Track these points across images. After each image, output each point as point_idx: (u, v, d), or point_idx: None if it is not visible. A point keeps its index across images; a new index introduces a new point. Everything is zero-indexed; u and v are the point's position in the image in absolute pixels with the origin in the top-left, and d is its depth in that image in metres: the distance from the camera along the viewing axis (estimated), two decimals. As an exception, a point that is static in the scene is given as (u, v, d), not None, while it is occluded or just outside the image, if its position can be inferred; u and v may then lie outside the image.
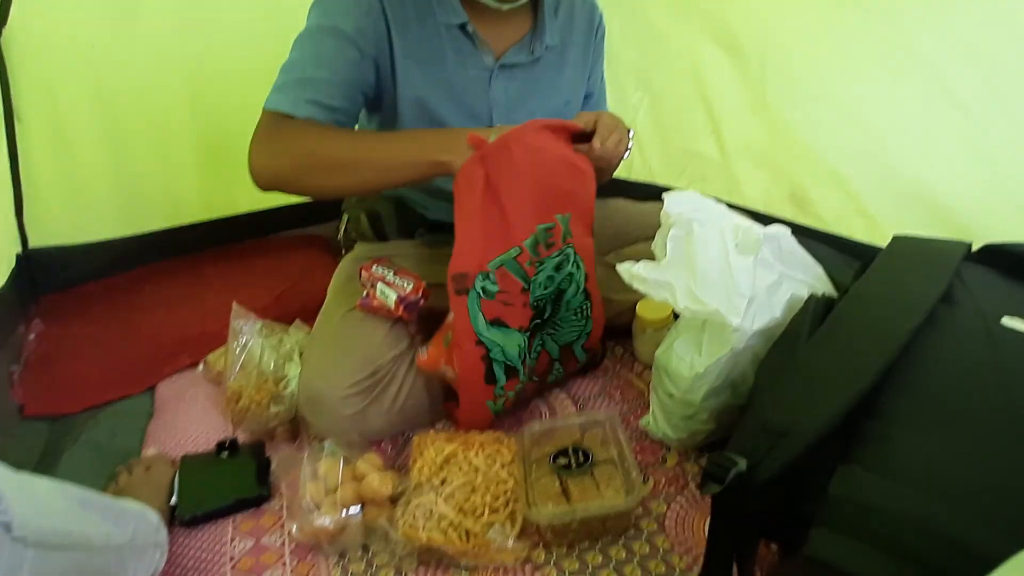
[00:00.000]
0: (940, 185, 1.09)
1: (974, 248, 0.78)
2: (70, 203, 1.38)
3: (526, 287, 0.89)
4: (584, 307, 0.98)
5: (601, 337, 1.05)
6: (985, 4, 0.95)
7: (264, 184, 0.87)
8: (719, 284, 0.76)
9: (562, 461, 0.82)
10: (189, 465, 0.90)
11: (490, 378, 0.89)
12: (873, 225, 1.20)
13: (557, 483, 0.80)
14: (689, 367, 0.81)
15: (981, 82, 0.99)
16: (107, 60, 1.30)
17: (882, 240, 0.84)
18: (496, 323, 0.87)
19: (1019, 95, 0.96)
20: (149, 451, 0.97)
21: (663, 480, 0.87)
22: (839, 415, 0.55)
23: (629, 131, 0.95)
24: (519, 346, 0.90)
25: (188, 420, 1.04)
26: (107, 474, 0.88)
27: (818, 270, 0.87)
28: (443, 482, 0.81)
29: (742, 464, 0.58)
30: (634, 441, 0.94)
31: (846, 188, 1.22)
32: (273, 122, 0.86)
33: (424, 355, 0.92)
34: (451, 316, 0.88)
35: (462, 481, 0.80)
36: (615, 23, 1.09)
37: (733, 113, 1.38)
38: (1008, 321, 0.62)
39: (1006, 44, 0.95)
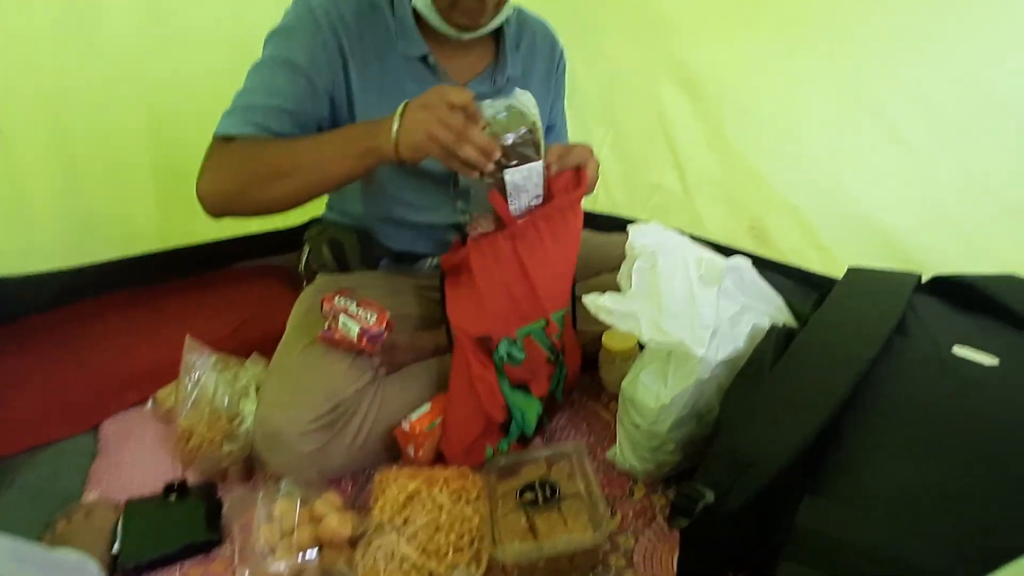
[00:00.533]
0: (889, 219, 1.14)
1: (924, 279, 0.81)
2: (16, 231, 1.32)
3: (552, 358, 0.94)
4: (559, 356, 0.98)
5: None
6: (927, 50, 1.01)
7: (213, 208, 0.86)
8: (683, 315, 0.77)
9: (529, 496, 0.80)
10: (134, 509, 0.85)
11: (505, 429, 0.92)
12: (829, 257, 1.24)
13: (524, 519, 0.78)
14: (655, 398, 0.81)
15: (925, 122, 1.05)
16: (63, 87, 1.26)
17: (837, 271, 0.86)
18: (520, 388, 0.92)
19: (960, 135, 1.01)
20: (91, 495, 0.91)
21: (631, 513, 0.86)
22: (804, 445, 0.56)
23: (597, 165, 0.96)
24: (537, 414, 0.94)
25: (134, 461, 0.98)
26: (44, 521, 0.82)
27: (779, 301, 0.89)
28: (406, 521, 0.78)
29: (710, 496, 0.58)
30: (601, 473, 0.93)
31: (802, 221, 1.26)
32: (218, 147, 0.86)
33: (405, 427, 0.91)
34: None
35: (425, 520, 0.77)
36: (578, 60, 1.12)
37: (693, 148, 1.42)
38: (959, 350, 0.64)
39: (947, 87, 1.01)
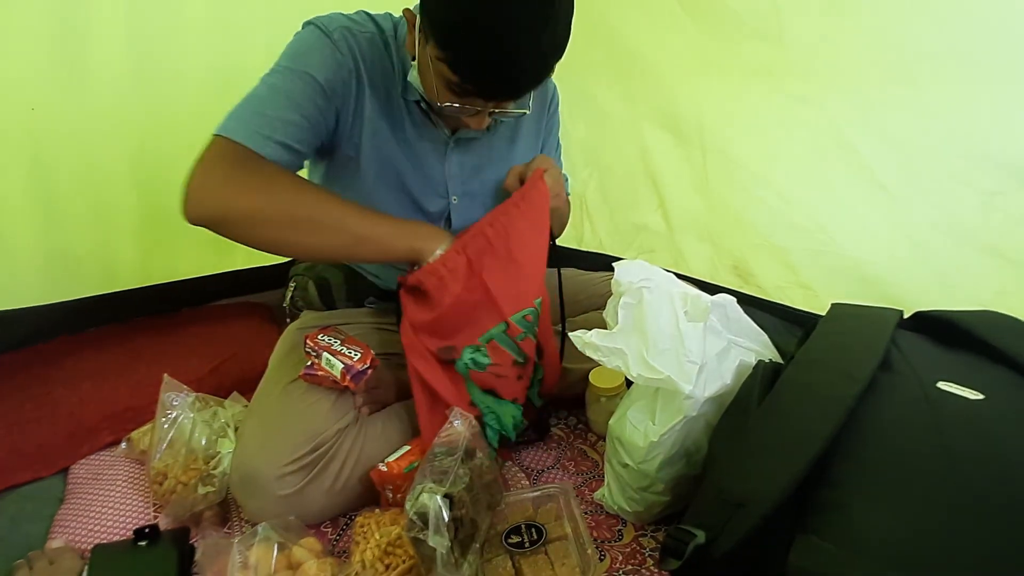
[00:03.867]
0: (868, 257, 1.17)
1: (906, 315, 0.82)
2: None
3: (519, 360, 0.93)
4: (525, 357, 0.97)
5: (546, 406, 1.06)
6: (899, 96, 1.05)
7: (200, 218, 0.77)
8: (670, 351, 0.77)
9: (514, 539, 0.78)
10: (101, 556, 0.80)
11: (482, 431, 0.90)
12: (811, 295, 1.26)
13: (509, 563, 0.76)
14: (643, 436, 0.80)
15: (899, 165, 1.08)
16: (46, 123, 1.26)
17: (820, 309, 0.87)
18: (490, 392, 0.92)
19: (932, 177, 1.05)
20: (55, 542, 0.87)
21: (620, 557, 0.83)
22: (793, 484, 0.55)
23: (566, 179, 0.98)
24: (513, 417, 0.93)
25: (104, 505, 0.94)
26: (3, 570, 0.78)
27: (763, 337, 0.89)
28: (388, 567, 0.75)
29: (700, 537, 0.56)
30: (589, 515, 0.90)
31: (784, 260, 1.29)
32: (230, 154, 0.78)
33: (383, 467, 0.88)
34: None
35: (407, 566, 0.74)
36: (564, 102, 1.15)
37: (677, 189, 1.45)
38: (944, 385, 0.64)
39: (920, 131, 1.05)
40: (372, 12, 0.93)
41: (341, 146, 0.92)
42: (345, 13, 0.90)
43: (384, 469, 0.88)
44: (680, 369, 0.75)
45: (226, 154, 0.78)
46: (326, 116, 0.86)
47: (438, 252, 0.85)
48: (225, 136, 0.78)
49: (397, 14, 0.93)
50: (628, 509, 0.86)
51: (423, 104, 0.93)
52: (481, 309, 0.90)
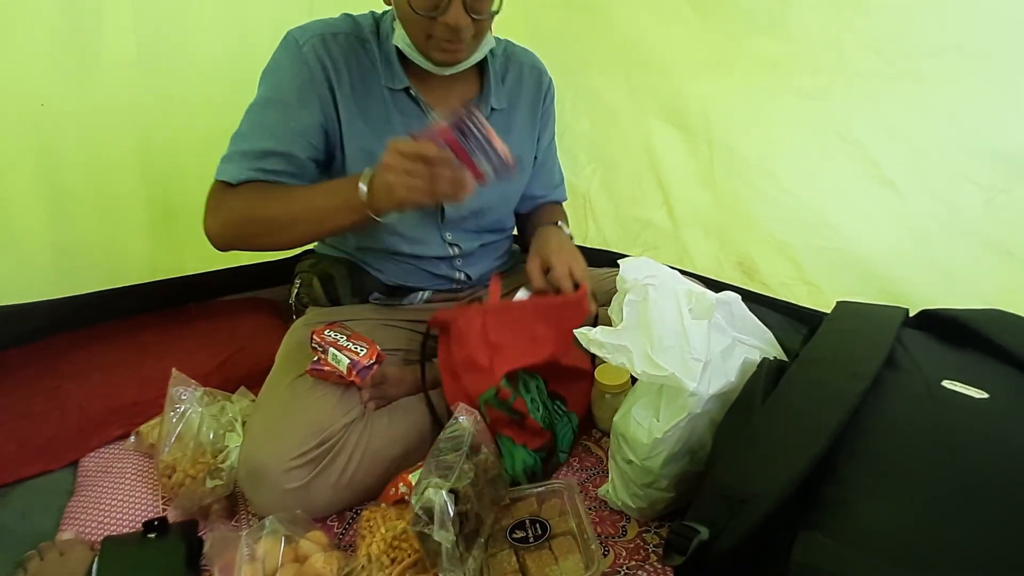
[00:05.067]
0: (874, 254, 1.16)
1: (911, 313, 0.82)
2: (2, 261, 1.31)
3: (514, 417, 0.92)
4: (552, 406, 0.99)
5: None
6: (905, 92, 1.05)
7: (220, 247, 0.93)
8: (675, 348, 0.77)
9: (519, 534, 0.78)
10: (110, 548, 0.81)
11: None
12: (817, 292, 1.25)
13: (514, 558, 0.76)
14: (647, 433, 0.80)
15: (905, 161, 1.08)
16: (56, 119, 1.27)
17: (826, 306, 0.87)
18: (502, 437, 0.92)
19: (939, 173, 1.04)
20: (65, 534, 0.88)
21: (624, 553, 0.84)
22: (797, 480, 0.55)
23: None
24: (524, 462, 0.91)
25: (113, 498, 0.95)
26: (15, 561, 0.79)
27: (768, 335, 0.89)
28: (393, 561, 0.76)
29: (704, 533, 0.57)
30: (593, 511, 0.91)
31: (790, 257, 1.28)
32: (219, 190, 0.91)
33: (394, 491, 0.88)
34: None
35: (413, 560, 0.75)
36: (567, 97, 1.15)
37: (682, 185, 1.45)
38: (949, 384, 0.65)
39: (925, 127, 1.04)
40: (354, 13, 0.98)
41: (334, 157, 0.98)
42: (326, 19, 0.95)
43: (394, 493, 0.88)
44: (684, 366, 0.75)
45: (215, 194, 0.92)
46: (308, 135, 0.93)
47: (363, 191, 0.82)
48: (216, 179, 0.91)
49: None
50: (632, 505, 0.86)
51: (412, 91, 0.96)
52: (485, 371, 0.92)
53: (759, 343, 0.86)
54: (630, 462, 0.83)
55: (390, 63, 0.95)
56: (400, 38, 0.92)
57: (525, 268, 1.04)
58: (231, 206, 0.90)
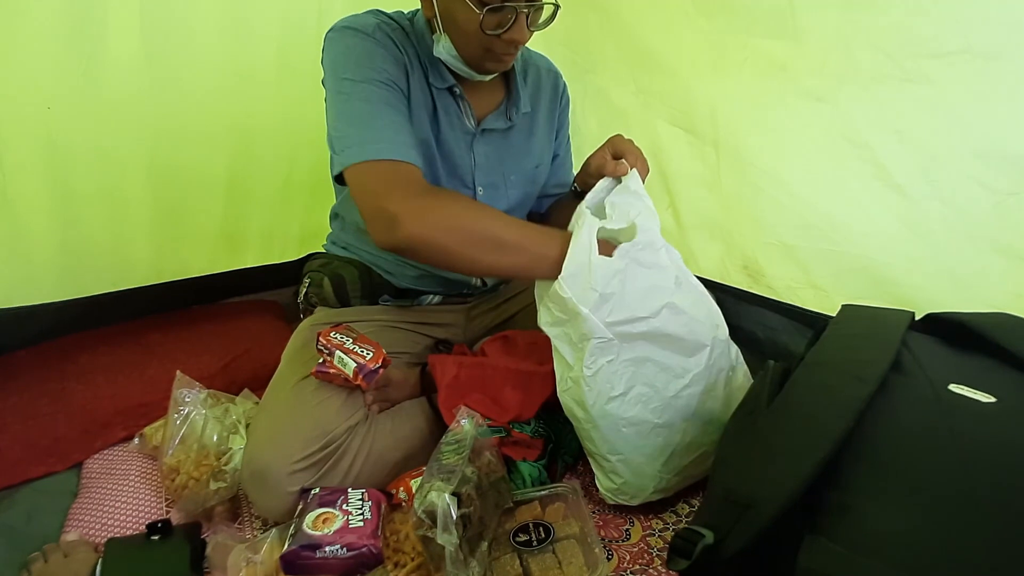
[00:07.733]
0: (880, 257, 1.15)
1: (917, 317, 0.81)
2: (10, 264, 1.31)
3: (503, 436, 0.93)
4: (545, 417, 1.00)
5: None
6: (914, 95, 1.04)
7: (406, 240, 0.81)
8: (578, 276, 0.79)
9: (522, 538, 0.78)
10: (114, 550, 0.81)
11: None
12: (823, 295, 1.25)
13: (517, 561, 0.76)
14: (576, 380, 0.81)
15: (913, 164, 1.07)
16: (63, 121, 1.28)
17: (831, 309, 0.87)
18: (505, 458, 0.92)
19: (947, 176, 1.03)
20: (69, 535, 0.88)
21: (627, 556, 0.84)
22: (802, 485, 0.55)
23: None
24: (530, 475, 0.92)
25: (117, 499, 0.95)
26: (19, 563, 0.79)
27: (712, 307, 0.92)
28: (396, 565, 0.75)
29: (709, 537, 0.56)
30: (596, 514, 0.91)
31: (796, 260, 1.27)
32: (392, 173, 0.83)
33: (395, 494, 0.89)
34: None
35: (416, 564, 0.75)
36: (576, 99, 1.15)
37: (688, 187, 1.44)
38: (956, 388, 0.64)
39: (934, 130, 1.04)
40: (385, 10, 0.96)
41: None
42: (363, 13, 0.93)
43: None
44: (583, 295, 0.78)
45: (389, 176, 0.83)
46: (407, 110, 0.91)
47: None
48: (373, 160, 0.83)
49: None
50: (613, 485, 0.87)
51: (456, 89, 0.96)
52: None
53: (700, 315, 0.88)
54: (581, 422, 0.84)
55: (433, 62, 0.95)
56: (445, 50, 0.92)
57: (590, 162, 0.99)
58: (447, 209, 0.82)
